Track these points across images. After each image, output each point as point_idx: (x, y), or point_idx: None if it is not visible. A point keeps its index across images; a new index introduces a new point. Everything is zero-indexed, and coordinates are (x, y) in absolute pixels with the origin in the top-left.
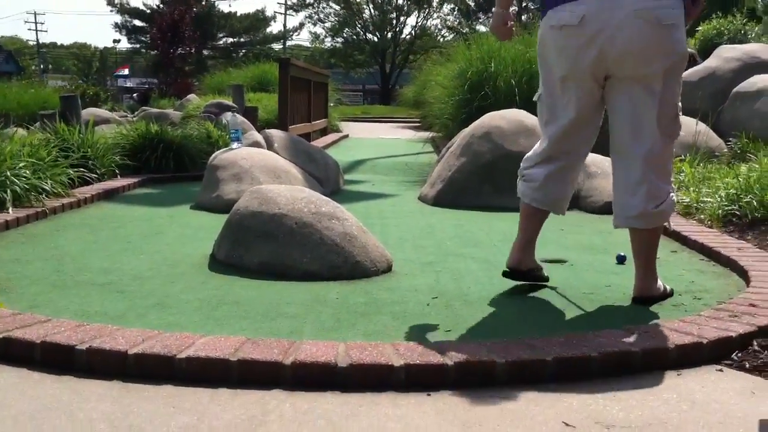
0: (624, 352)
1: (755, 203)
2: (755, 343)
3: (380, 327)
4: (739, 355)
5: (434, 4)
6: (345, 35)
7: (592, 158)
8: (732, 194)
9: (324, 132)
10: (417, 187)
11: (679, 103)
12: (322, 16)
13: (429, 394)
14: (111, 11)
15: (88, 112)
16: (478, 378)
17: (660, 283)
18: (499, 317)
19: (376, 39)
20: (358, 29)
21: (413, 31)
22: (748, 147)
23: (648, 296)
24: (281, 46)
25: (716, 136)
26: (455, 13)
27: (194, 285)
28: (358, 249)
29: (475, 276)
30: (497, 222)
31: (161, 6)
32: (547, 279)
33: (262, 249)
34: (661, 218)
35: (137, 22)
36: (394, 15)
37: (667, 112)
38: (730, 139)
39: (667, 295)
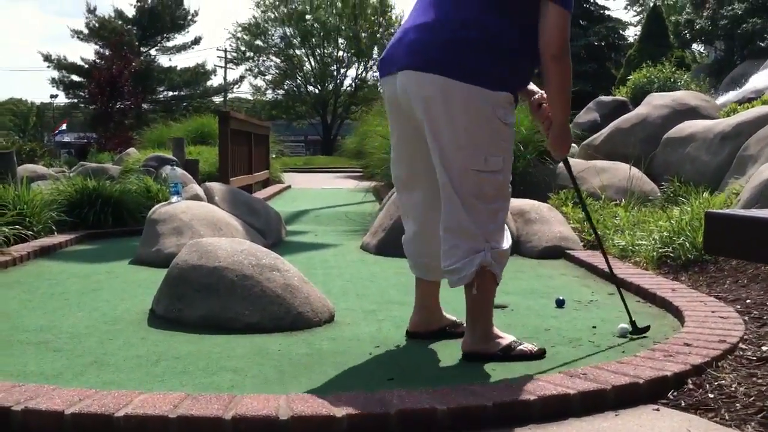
0: (562, 395)
1: (688, 245)
2: (690, 381)
3: (323, 378)
4: (675, 393)
5: (374, 55)
6: (286, 87)
7: (530, 204)
8: (665, 237)
9: (266, 183)
10: (359, 236)
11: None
12: (262, 68)
13: None
14: (48, 67)
15: (24, 169)
16: (420, 425)
17: (500, 341)
18: (441, 364)
19: (317, 91)
20: (299, 81)
21: (354, 83)
22: (680, 190)
23: (470, 351)
24: (222, 99)
25: (649, 181)
26: None
27: (133, 341)
28: (299, 300)
29: None
30: None
31: (99, 61)
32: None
33: (203, 303)
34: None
35: (75, 77)
36: (334, 67)
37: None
38: (663, 183)
39: (512, 356)
